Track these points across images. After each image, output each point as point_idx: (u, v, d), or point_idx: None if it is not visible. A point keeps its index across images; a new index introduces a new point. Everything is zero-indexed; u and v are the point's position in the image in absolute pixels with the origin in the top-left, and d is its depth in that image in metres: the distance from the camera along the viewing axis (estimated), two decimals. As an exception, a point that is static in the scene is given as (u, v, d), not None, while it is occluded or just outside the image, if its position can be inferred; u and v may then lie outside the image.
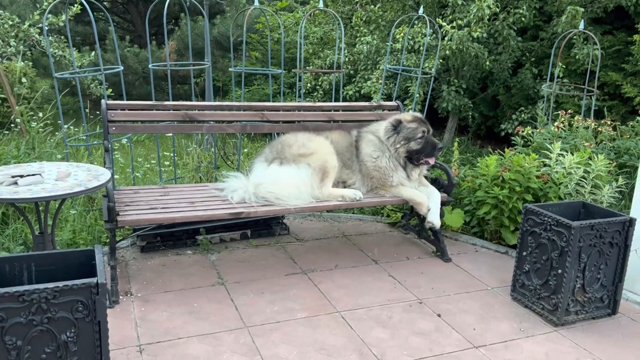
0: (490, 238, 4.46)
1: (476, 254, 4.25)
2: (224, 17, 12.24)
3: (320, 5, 5.15)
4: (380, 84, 6.87)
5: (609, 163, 4.25)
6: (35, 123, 5.30)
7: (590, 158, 4.25)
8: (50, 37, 7.06)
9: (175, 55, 11.60)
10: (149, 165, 6.03)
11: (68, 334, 2.08)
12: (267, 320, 3.14)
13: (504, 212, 4.21)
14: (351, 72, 8.76)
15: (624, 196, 4.53)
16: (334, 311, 3.27)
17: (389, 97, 7.63)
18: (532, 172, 4.16)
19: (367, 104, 4.64)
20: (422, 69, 5.66)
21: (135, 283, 3.51)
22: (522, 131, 5.01)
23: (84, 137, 4.81)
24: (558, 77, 6.18)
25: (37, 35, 6.60)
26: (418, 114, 4.09)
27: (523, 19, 7.11)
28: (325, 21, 9.80)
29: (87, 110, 5.15)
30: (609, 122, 5.19)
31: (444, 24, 6.61)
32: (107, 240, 3.82)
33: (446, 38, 6.65)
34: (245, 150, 6.83)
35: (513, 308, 3.42)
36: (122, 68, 4.47)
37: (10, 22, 6.52)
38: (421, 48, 6.88)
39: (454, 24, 6.70)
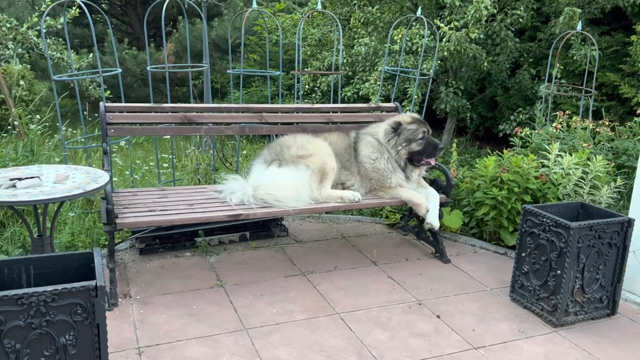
0: (489, 239, 4.46)
1: (475, 255, 4.25)
2: (222, 19, 12.24)
3: (319, 7, 5.16)
4: (379, 85, 6.88)
5: (608, 164, 4.26)
6: (34, 125, 5.30)
7: (588, 159, 4.25)
8: (48, 40, 7.06)
9: (173, 57, 11.60)
10: (147, 168, 6.03)
11: (67, 337, 2.07)
12: (266, 322, 3.14)
13: (503, 213, 4.21)
14: (349, 73, 8.76)
15: (623, 197, 4.53)
16: (333, 313, 3.27)
17: (387, 99, 7.64)
18: (531, 172, 4.17)
19: (365, 105, 4.64)
20: (420, 70, 5.66)
21: (134, 285, 3.50)
22: (521, 132, 5.02)
23: (83, 140, 4.81)
24: (556, 77, 6.19)
25: (35, 38, 6.60)
26: (417, 115, 4.09)
27: (521, 20, 7.12)
28: (324, 23, 9.81)
29: (86, 113, 5.15)
30: (607, 123, 5.19)
31: (441, 25, 6.62)
32: (106, 243, 3.82)
33: (444, 39, 6.65)
34: (244, 152, 6.83)
35: (512, 309, 3.42)
36: (120, 70, 4.47)
37: (9, 25, 6.52)
38: (419, 49, 6.89)
39: (452, 25, 6.71)
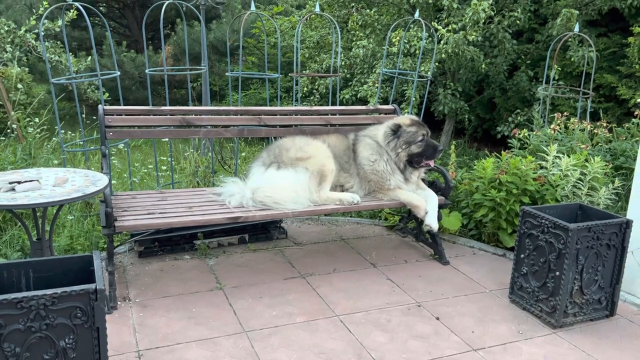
0: (488, 240, 4.47)
1: (474, 257, 4.25)
2: (220, 22, 12.25)
3: (317, 9, 5.17)
4: (377, 87, 6.89)
5: (606, 165, 4.27)
6: (32, 129, 5.29)
7: (586, 160, 4.26)
8: (46, 43, 7.06)
9: (172, 60, 11.61)
10: (146, 170, 6.03)
11: (67, 340, 2.07)
12: (265, 324, 3.13)
13: (502, 215, 4.22)
14: (348, 75, 8.77)
15: (621, 198, 4.54)
16: (332, 315, 3.27)
17: (385, 101, 7.65)
18: (529, 174, 4.18)
19: (363, 107, 4.65)
20: (419, 72, 5.67)
21: (134, 288, 3.50)
22: (519, 134, 5.03)
23: (81, 143, 4.81)
24: (554, 79, 6.20)
25: (33, 41, 6.59)
26: (415, 117, 4.10)
27: (518, 22, 7.14)
28: (322, 25, 9.82)
29: (84, 116, 5.14)
30: (604, 124, 5.21)
31: (439, 27, 6.64)
32: (105, 246, 3.82)
33: (442, 41, 6.67)
34: (243, 154, 6.84)
35: (511, 310, 3.42)
36: (119, 73, 4.47)
37: (6, 28, 6.51)
38: (417, 52, 6.90)
39: (450, 27, 6.73)
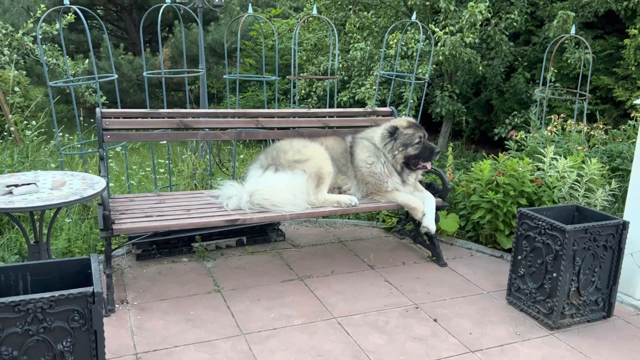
0: (486, 242, 4.47)
1: (471, 258, 4.26)
2: (218, 24, 12.27)
3: (314, 12, 5.18)
4: (374, 89, 6.90)
5: (602, 166, 4.28)
6: (30, 132, 5.29)
7: (583, 162, 4.28)
8: (44, 46, 7.05)
9: (169, 62, 11.62)
10: (143, 173, 6.03)
11: (64, 343, 2.07)
12: (263, 327, 3.14)
13: (499, 217, 4.23)
14: (345, 78, 8.78)
15: (617, 199, 4.56)
16: (330, 317, 3.28)
17: (383, 103, 7.66)
18: (526, 176, 4.19)
19: (361, 110, 4.66)
20: (416, 74, 5.69)
21: (132, 291, 3.50)
22: (516, 135, 5.04)
23: (79, 146, 4.80)
24: (550, 81, 6.22)
25: (30, 44, 6.59)
26: (412, 120, 4.11)
27: (515, 24, 7.16)
28: (319, 28, 9.84)
29: (82, 119, 5.14)
30: (601, 126, 5.22)
31: (436, 29, 6.66)
32: (103, 249, 3.81)
33: (439, 44, 6.69)
34: (241, 156, 6.84)
35: (509, 312, 3.43)
36: (116, 76, 4.47)
37: (4, 31, 6.51)
38: (414, 54, 6.92)
39: (447, 29, 6.75)
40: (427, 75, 6.07)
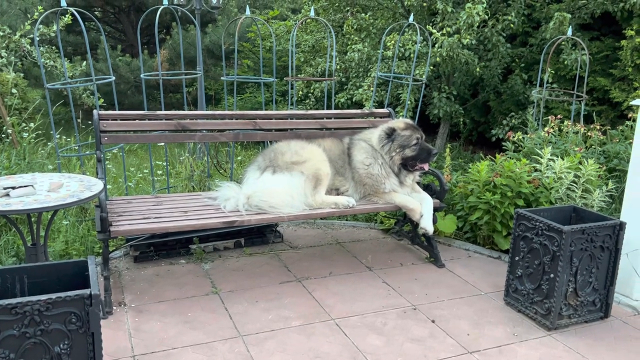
0: (483, 243, 4.48)
1: (469, 259, 4.27)
2: (215, 26, 12.28)
3: (312, 13, 5.19)
4: (372, 91, 6.91)
5: (599, 167, 4.29)
6: (27, 134, 5.28)
7: (580, 163, 4.29)
8: (41, 48, 7.04)
9: (167, 64, 11.61)
10: (141, 175, 6.02)
11: (61, 346, 2.07)
12: (261, 328, 3.13)
13: (496, 218, 4.23)
14: (343, 79, 8.80)
15: (614, 200, 4.57)
16: (328, 319, 3.28)
17: (380, 104, 7.67)
18: (523, 177, 4.20)
19: (359, 111, 4.67)
20: (413, 76, 5.70)
21: (129, 293, 3.50)
22: (513, 136, 5.05)
23: (76, 148, 4.80)
24: (547, 82, 6.24)
25: (28, 46, 6.59)
26: (410, 121, 4.12)
27: (512, 25, 7.18)
28: (317, 29, 9.85)
29: (79, 121, 5.14)
30: (598, 127, 5.24)
31: (434, 31, 6.67)
32: (100, 251, 3.81)
33: (436, 45, 6.70)
34: (239, 158, 6.84)
35: (506, 313, 3.43)
36: (113, 78, 4.47)
37: (1, 33, 6.50)
38: (412, 55, 6.93)
39: (444, 31, 6.76)
40: (424, 76, 6.08)
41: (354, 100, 7.94)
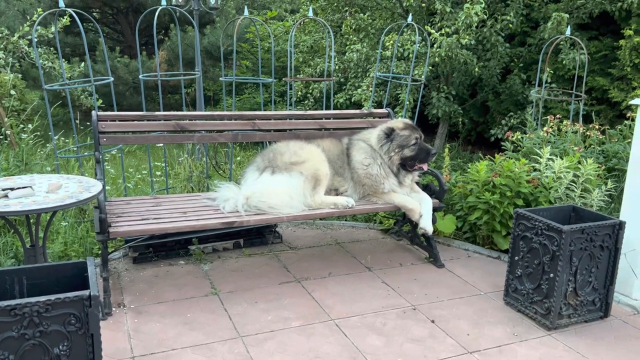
0: (483, 243, 4.48)
1: (469, 259, 4.26)
2: (214, 27, 12.27)
3: (310, 14, 5.18)
4: (371, 91, 6.91)
5: (598, 167, 4.30)
6: (25, 135, 5.28)
7: (579, 162, 4.29)
8: (39, 49, 7.04)
9: (165, 65, 11.61)
10: (140, 176, 6.01)
11: (61, 347, 2.06)
12: (261, 329, 3.13)
13: (496, 217, 4.23)
14: (341, 80, 8.80)
15: (614, 199, 4.57)
16: (328, 319, 3.27)
17: (379, 105, 7.67)
18: (523, 177, 4.20)
19: (357, 111, 4.67)
20: (412, 76, 5.70)
21: (128, 294, 3.49)
22: (512, 136, 5.05)
23: (75, 149, 4.80)
24: (546, 82, 6.24)
25: (26, 47, 6.58)
26: (409, 121, 4.12)
27: (510, 25, 7.19)
28: (315, 29, 9.85)
29: (78, 122, 5.13)
30: (597, 127, 5.24)
31: (432, 31, 6.67)
32: (99, 252, 3.80)
33: (435, 45, 6.70)
34: (238, 158, 6.84)
35: (506, 313, 3.43)
36: (112, 79, 4.47)
37: (0, 35, 6.49)
38: (410, 55, 6.93)
39: (443, 31, 6.76)
40: (423, 76, 6.08)
41: (352, 100, 7.94)
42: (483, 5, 6.48)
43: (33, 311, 1.99)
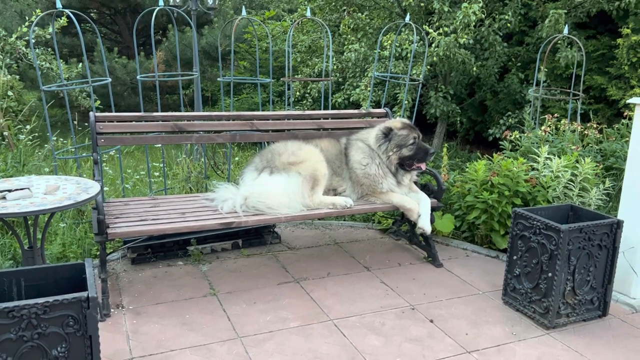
0: (481, 242, 4.48)
1: (467, 259, 4.27)
2: (212, 27, 12.26)
3: (308, 13, 5.18)
4: (369, 91, 6.91)
5: (596, 166, 4.30)
6: (23, 136, 5.27)
7: (577, 161, 4.29)
8: (37, 50, 7.03)
9: (163, 65, 11.60)
10: (138, 177, 6.01)
11: (59, 349, 2.06)
12: (260, 330, 3.13)
13: (494, 217, 4.24)
14: (340, 79, 8.79)
15: (612, 198, 4.58)
16: (326, 319, 3.27)
17: (377, 104, 7.67)
18: (521, 176, 4.20)
19: (356, 111, 4.67)
20: (410, 75, 5.70)
21: (127, 296, 3.49)
22: (510, 136, 5.06)
23: (73, 150, 4.79)
24: (544, 81, 6.25)
25: (24, 48, 6.57)
26: (407, 121, 4.12)
27: (508, 24, 7.19)
28: (313, 29, 9.85)
29: (76, 123, 5.12)
30: (595, 125, 5.25)
31: (430, 30, 6.67)
32: (98, 253, 3.80)
33: (433, 45, 6.70)
34: (236, 159, 6.83)
35: (505, 312, 3.44)
36: (110, 80, 4.46)
37: (-3, 36, 6.49)
38: (409, 55, 6.93)
39: (441, 30, 6.76)
40: (421, 76, 6.08)
41: (351, 100, 7.93)
42: (481, 5, 6.48)
43: (31, 313, 1.99)
